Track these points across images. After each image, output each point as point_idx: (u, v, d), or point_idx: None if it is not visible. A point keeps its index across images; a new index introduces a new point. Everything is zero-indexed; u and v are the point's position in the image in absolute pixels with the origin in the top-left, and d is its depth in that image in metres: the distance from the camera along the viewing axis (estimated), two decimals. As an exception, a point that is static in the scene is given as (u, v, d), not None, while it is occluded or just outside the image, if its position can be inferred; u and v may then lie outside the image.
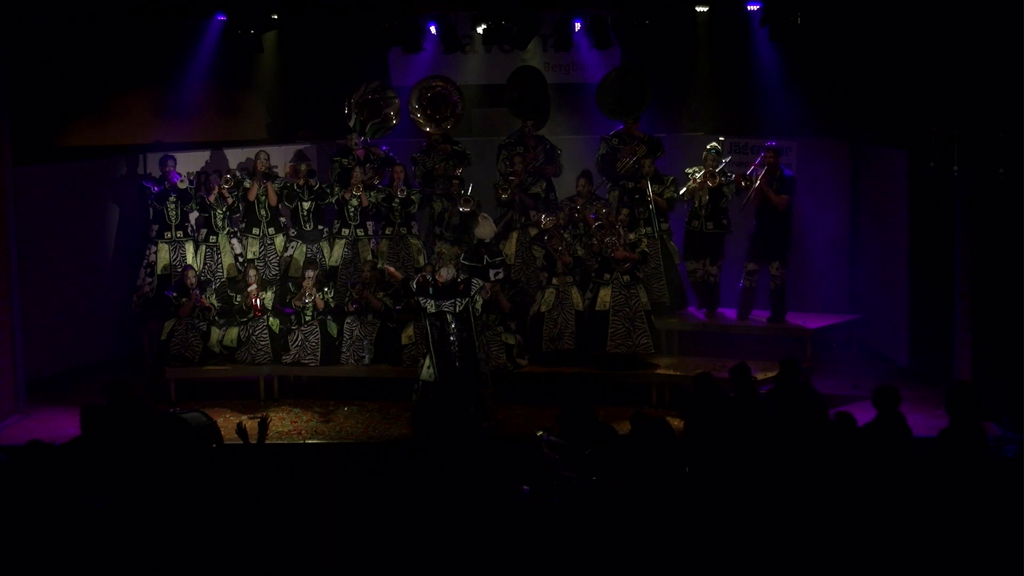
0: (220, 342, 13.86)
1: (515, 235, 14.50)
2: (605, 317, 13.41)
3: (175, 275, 14.27)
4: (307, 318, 13.74)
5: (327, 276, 14.30)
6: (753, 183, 13.88)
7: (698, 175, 14.13)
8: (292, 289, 14.06)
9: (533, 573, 8.57)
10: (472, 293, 12.41)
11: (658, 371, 13.44)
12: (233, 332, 13.87)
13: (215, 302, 13.89)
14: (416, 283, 12.62)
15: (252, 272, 13.96)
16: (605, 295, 13.44)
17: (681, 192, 14.16)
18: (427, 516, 9.09)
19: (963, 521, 8.43)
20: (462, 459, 10.68)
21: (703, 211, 14.19)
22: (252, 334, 13.79)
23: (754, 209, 14.05)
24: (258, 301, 13.72)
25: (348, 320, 13.74)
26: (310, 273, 13.82)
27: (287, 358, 13.78)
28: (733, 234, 14.38)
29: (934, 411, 11.38)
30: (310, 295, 13.69)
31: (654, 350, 13.54)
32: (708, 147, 14.24)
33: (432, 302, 12.33)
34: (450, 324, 12.31)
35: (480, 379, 12.51)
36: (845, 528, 8.54)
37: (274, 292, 14.01)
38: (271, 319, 13.84)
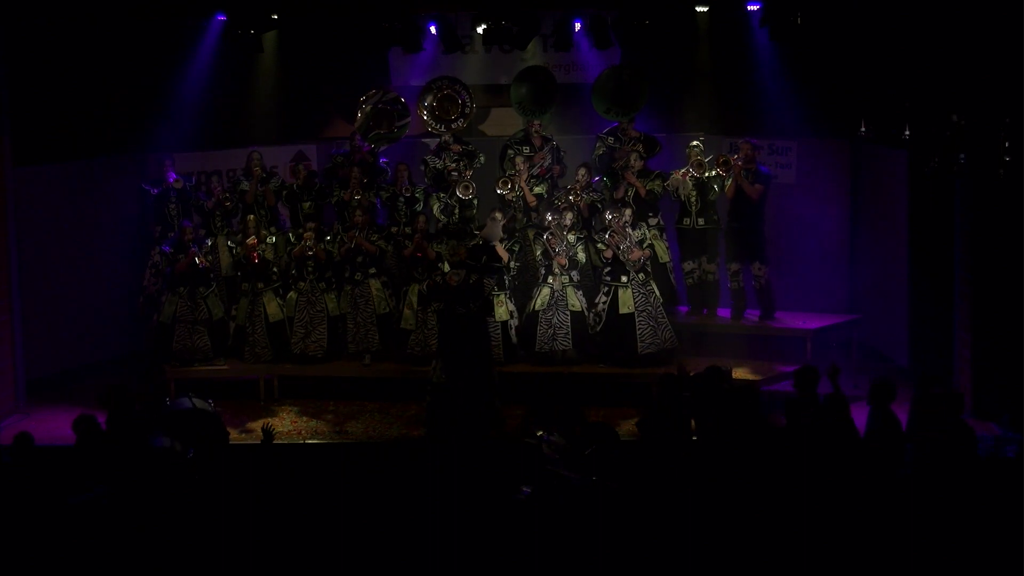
0: (231, 318, 13.82)
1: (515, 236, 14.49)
2: (631, 319, 13.43)
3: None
4: (309, 269, 13.70)
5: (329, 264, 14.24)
6: (730, 168, 13.92)
7: (683, 170, 14.17)
8: (293, 240, 14.02)
9: (533, 573, 8.57)
10: (486, 292, 12.39)
11: (658, 371, 13.42)
12: (245, 303, 13.83)
13: (209, 259, 13.86)
14: (427, 286, 12.62)
15: (251, 221, 13.93)
16: (626, 297, 13.45)
17: (665, 184, 14.18)
18: (427, 516, 9.09)
19: (944, 518, 8.45)
20: (462, 459, 10.68)
21: (693, 207, 14.23)
22: (253, 333, 13.78)
23: (728, 203, 14.08)
24: (257, 252, 13.70)
25: (348, 312, 13.71)
26: (311, 225, 13.80)
27: (295, 343, 13.72)
28: (723, 231, 14.41)
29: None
30: (311, 244, 13.66)
31: (678, 341, 13.57)
32: (691, 144, 14.32)
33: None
34: (463, 325, 12.30)
35: (492, 383, 12.48)
36: (839, 524, 8.54)
37: (273, 244, 13.96)
38: (267, 247, 13.81)
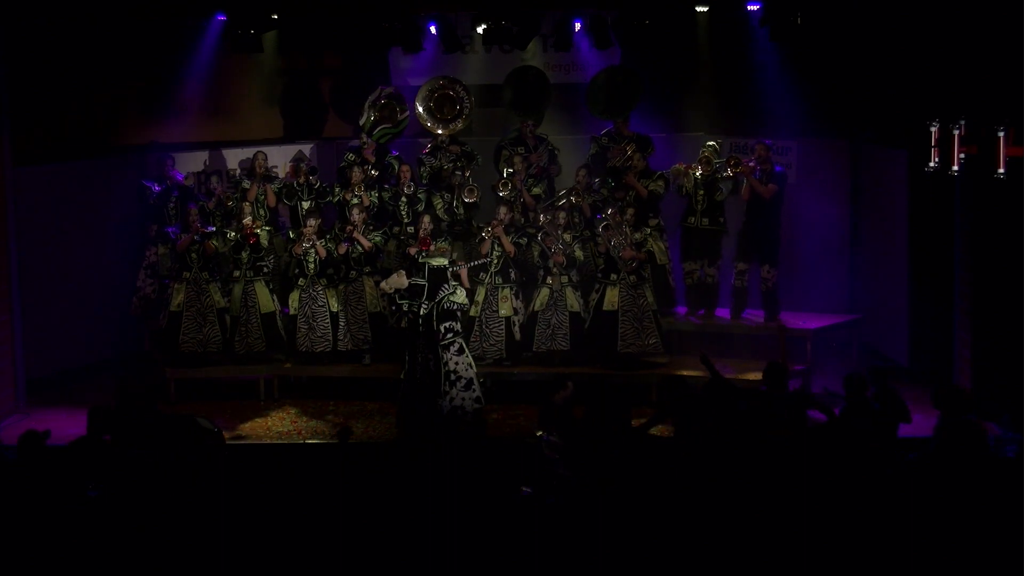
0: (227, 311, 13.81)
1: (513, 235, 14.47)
2: (614, 317, 13.42)
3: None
4: (310, 265, 13.70)
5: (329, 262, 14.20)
6: (742, 168, 13.91)
7: (683, 166, 14.17)
8: (292, 236, 14.04)
9: (533, 573, 8.58)
10: (438, 298, 12.34)
11: (657, 371, 13.43)
12: (238, 289, 13.82)
13: (217, 243, 13.84)
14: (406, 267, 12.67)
15: (247, 206, 13.94)
16: (612, 295, 13.45)
17: (666, 173, 14.15)
18: (427, 516, 9.09)
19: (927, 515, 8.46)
20: (461, 459, 10.68)
21: (699, 206, 14.22)
22: (248, 324, 13.75)
23: (744, 203, 14.09)
24: (256, 230, 13.71)
25: (341, 307, 13.71)
26: (312, 221, 13.78)
27: (300, 340, 13.72)
28: (729, 235, 14.39)
29: (935, 411, 11.37)
30: (309, 241, 13.65)
31: (663, 350, 13.55)
32: (707, 143, 14.34)
33: (405, 301, 12.34)
34: (419, 324, 12.30)
35: (448, 380, 12.43)
36: (838, 524, 8.54)
37: (268, 232, 13.96)
38: (262, 232, 13.79)
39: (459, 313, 12.60)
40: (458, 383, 12.40)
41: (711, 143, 14.35)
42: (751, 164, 13.98)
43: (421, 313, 12.31)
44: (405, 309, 12.37)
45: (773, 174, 14.01)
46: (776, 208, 14.08)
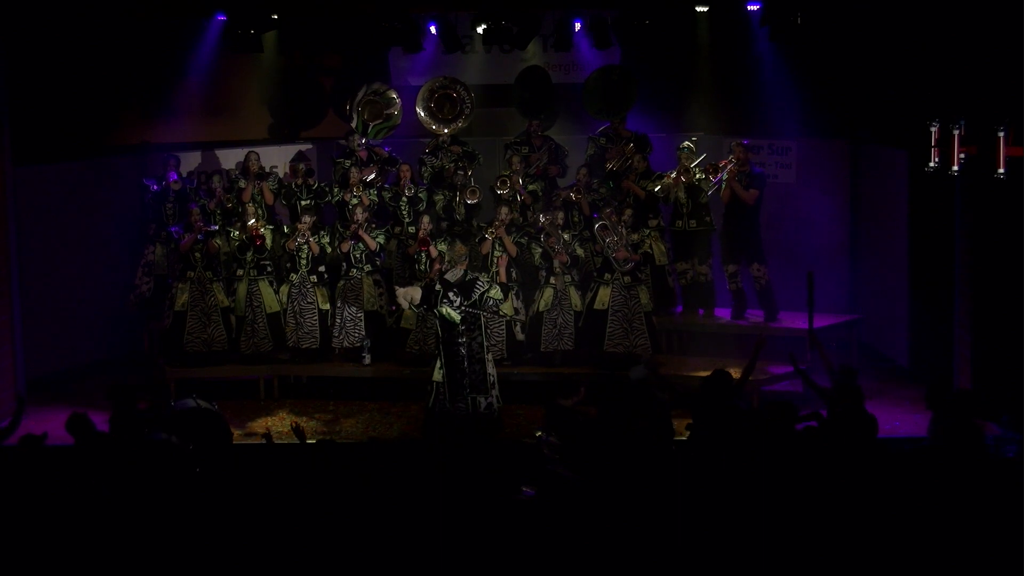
0: (231, 310, 13.80)
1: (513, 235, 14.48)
2: (603, 316, 13.41)
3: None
4: (302, 261, 13.69)
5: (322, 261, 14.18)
6: (719, 173, 13.89)
7: (673, 174, 14.18)
8: (287, 231, 14.04)
9: (532, 572, 8.58)
10: (475, 296, 12.28)
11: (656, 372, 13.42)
12: (242, 288, 13.81)
13: (220, 242, 13.85)
14: (424, 284, 12.58)
15: (251, 207, 13.92)
16: (604, 294, 13.45)
17: (656, 189, 14.17)
18: (427, 516, 9.09)
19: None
20: (462, 459, 10.68)
21: (685, 209, 14.23)
22: (254, 323, 13.76)
23: (724, 206, 14.08)
24: (261, 230, 13.68)
25: (339, 303, 13.71)
26: (307, 219, 13.77)
27: (289, 334, 13.72)
28: (717, 232, 14.41)
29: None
30: (303, 236, 13.63)
31: (652, 351, 13.54)
32: (681, 145, 14.31)
33: (435, 308, 12.27)
34: (459, 325, 12.26)
35: (489, 382, 12.42)
36: (837, 524, 8.55)
37: (271, 231, 13.95)
38: (267, 232, 13.78)
39: (496, 309, 12.53)
40: (487, 380, 12.44)
41: (686, 144, 14.33)
42: (727, 164, 13.93)
43: (455, 313, 12.18)
44: (440, 314, 12.24)
45: (752, 176, 13.99)
46: (756, 209, 14.06)
